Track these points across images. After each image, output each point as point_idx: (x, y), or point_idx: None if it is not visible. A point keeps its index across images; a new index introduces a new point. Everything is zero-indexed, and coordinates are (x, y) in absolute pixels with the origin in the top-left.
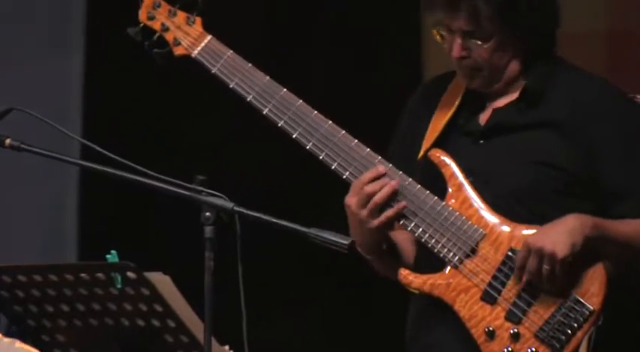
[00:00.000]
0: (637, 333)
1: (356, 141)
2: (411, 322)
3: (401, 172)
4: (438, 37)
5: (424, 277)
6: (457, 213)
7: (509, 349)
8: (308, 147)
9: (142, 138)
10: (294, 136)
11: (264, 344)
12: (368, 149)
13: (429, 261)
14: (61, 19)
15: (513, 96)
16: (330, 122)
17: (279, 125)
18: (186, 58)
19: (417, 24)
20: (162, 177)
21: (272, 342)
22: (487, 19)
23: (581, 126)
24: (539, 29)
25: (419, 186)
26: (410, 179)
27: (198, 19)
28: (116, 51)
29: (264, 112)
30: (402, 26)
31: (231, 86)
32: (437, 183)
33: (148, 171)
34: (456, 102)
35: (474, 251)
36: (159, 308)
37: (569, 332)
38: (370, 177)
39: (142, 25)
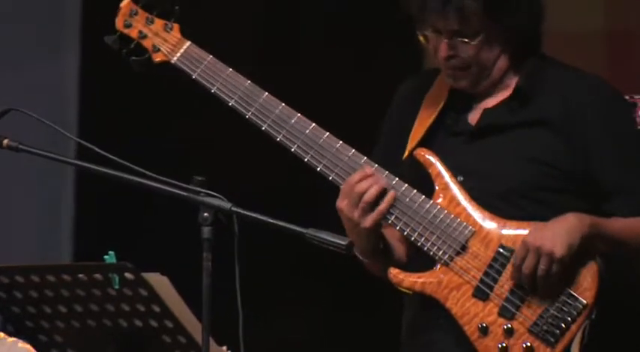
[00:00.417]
0: (629, 327)
1: (341, 142)
2: (406, 322)
3: (387, 172)
4: (422, 39)
5: (415, 276)
6: (446, 211)
7: (504, 344)
8: (293, 150)
9: (138, 139)
10: (277, 139)
11: (261, 345)
12: (353, 150)
13: (419, 259)
14: (56, 19)
15: (502, 95)
16: (314, 124)
17: (263, 129)
18: (166, 64)
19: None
20: (160, 177)
21: (269, 342)
22: (475, 15)
23: (572, 124)
24: (526, 25)
25: (406, 185)
26: (397, 178)
27: (176, 26)
28: (112, 51)
29: (247, 116)
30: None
31: (212, 91)
32: (423, 182)
33: (146, 172)
34: (442, 102)
35: (464, 248)
36: (156, 308)
37: (563, 326)
38: (358, 178)
39: (118, 33)
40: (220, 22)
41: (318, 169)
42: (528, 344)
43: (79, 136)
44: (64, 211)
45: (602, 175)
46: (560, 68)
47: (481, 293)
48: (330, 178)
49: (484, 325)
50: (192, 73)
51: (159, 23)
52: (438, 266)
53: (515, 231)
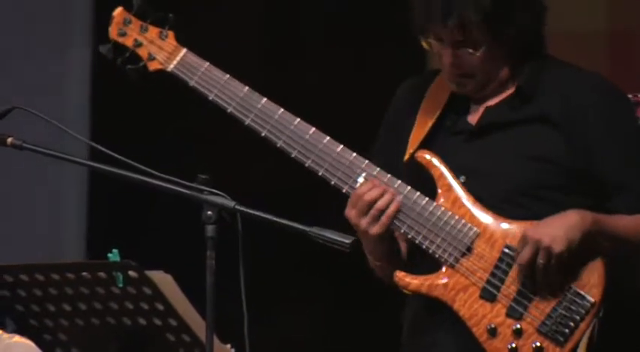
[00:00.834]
0: (637, 326)
1: (342, 146)
2: (408, 323)
3: (390, 175)
4: (426, 45)
5: (421, 278)
6: (450, 213)
7: (513, 345)
8: (293, 156)
9: (143, 137)
10: (278, 146)
11: (265, 343)
12: (354, 154)
13: (423, 262)
14: (68, 16)
15: (505, 94)
16: (314, 129)
17: (263, 135)
18: (162, 72)
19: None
20: (164, 176)
21: (274, 341)
22: (476, 27)
23: (574, 122)
24: (529, 32)
25: (409, 187)
26: (399, 181)
27: (171, 33)
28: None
29: (246, 123)
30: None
31: (210, 98)
32: (425, 183)
33: (150, 170)
34: (442, 103)
35: (469, 249)
36: (160, 307)
37: (572, 324)
38: (367, 188)
39: (112, 42)
40: (220, 23)
41: (320, 174)
42: (538, 344)
43: (89, 135)
44: (70, 210)
45: (605, 173)
46: (562, 67)
47: (488, 294)
48: (332, 183)
49: (493, 326)
50: (189, 81)
51: (153, 31)
52: (444, 268)
53: (520, 231)
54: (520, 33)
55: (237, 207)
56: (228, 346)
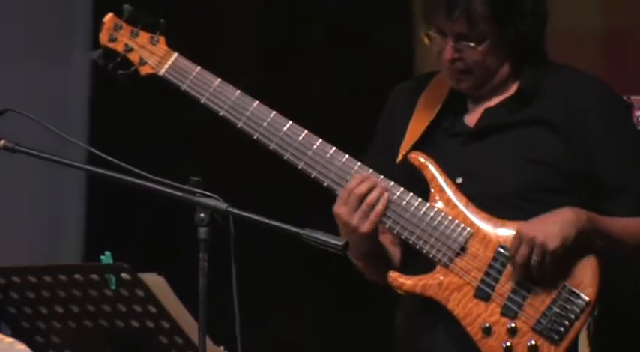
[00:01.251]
0: (632, 324)
1: (334, 148)
2: (401, 324)
3: (382, 176)
4: (426, 40)
5: (415, 278)
6: (443, 213)
7: (508, 344)
8: (286, 158)
9: (134, 139)
10: (270, 148)
11: (258, 345)
12: (347, 156)
13: (416, 262)
14: (67, 20)
15: (504, 95)
16: (307, 131)
17: (255, 138)
18: (153, 76)
19: (409, 29)
20: (156, 178)
21: (266, 342)
22: (482, 20)
23: (573, 126)
24: (532, 31)
25: (402, 189)
26: (392, 182)
27: (162, 38)
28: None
29: (238, 126)
30: (394, 32)
31: (202, 102)
32: (419, 185)
33: (142, 173)
34: (439, 104)
35: (463, 249)
36: (153, 309)
37: (567, 323)
38: (357, 183)
39: (103, 48)
40: (220, 23)
41: (312, 176)
42: (533, 342)
43: (87, 138)
44: (66, 212)
45: (604, 175)
46: (562, 70)
47: (483, 294)
48: (325, 185)
49: (487, 325)
50: (180, 85)
51: (144, 36)
52: (438, 268)
53: (514, 231)
54: (524, 33)
55: (230, 209)
56: (221, 348)
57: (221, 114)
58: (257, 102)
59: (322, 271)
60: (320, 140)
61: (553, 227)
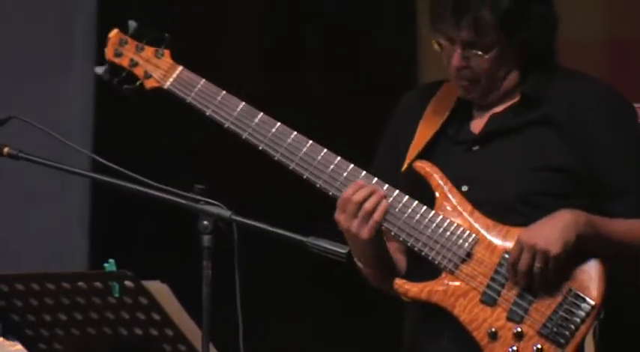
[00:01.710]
0: (637, 327)
1: (339, 158)
2: (408, 332)
3: (387, 185)
4: (436, 46)
5: (420, 285)
6: (448, 220)
7: (514, 348)
8: (291, 168)
9: (138, 147)
10: (275, 159)
11: None
12: (352, 165)
13: (421, 269)
14: (72, 30)
15: (511, 102)
16: (311, 142)
17: (260, 149)
18: (159, 90)
19: (414, 37)
20: (160, 185)
21: (270, 350)
22: (490, 28)
23: (577, 127)
24: (541, 41)
25: (407, 196)
26: (397, 190)
27: (167, 52)
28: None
29: (243, 137)
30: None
31: (207, 114)
32: (424, 193)
33: (146, 180)
34: (446, 112)
35: (469, 255)
36: (157, 316)
37: (573, 327)
38: (353, 191)
39: (108, 63)
40: (220, 24)
41: (318, 186)
42: (539, 346)
43: (92, 145)
44: (68, 220)
45: (606, 177)
46: (569, 75)
47: (489, 299)
48: (330, 194)
49: (493, 330)
50: (185, 98)
51: (149, 50)
52: (444, 274)
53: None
54: (532, 41)
55: (234, 216)
56: None
57: (226, 126)
58: (262, 113)
59: (325, 279)
60: (325, 150)
61: (553, 232)
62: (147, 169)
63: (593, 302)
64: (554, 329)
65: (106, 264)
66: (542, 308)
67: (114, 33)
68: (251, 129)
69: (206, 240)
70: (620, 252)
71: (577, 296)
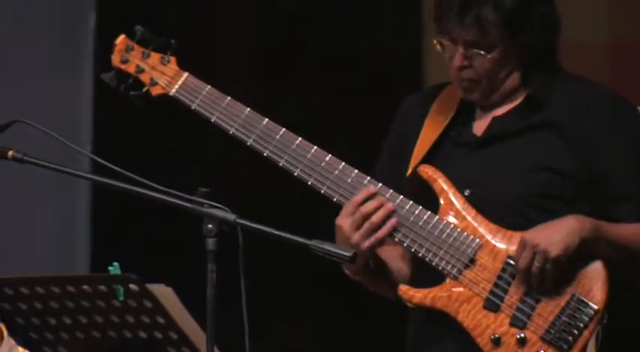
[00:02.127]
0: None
1: (343, 163)
2: (412, 337)
3: (391, 190)
4: (438, 46)
5: (424, 291)
6: (452, 226)
7: None
8: (296, 174)
9: (143, 150)
10: (280, 165)
11: None
12: (356, 171)
13: (424, 275)
14: (72, 33)
15: (513, 104)
16: (316, 148)
17: (265, 155)
18: (165, 96)
19: (418, 38)
20: (164, 189)
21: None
22: (493, 28)
23: (580, 130)
24: (543, 42)
25: (411, 202)
26: (401, 196)
27: (173, 58)
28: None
29: (248, 143)
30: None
31: (212, 120)
32: (428, 197)
33: (150, 183)
34: (449, 115)
35: (472, 261)
36: (161, 320)
37: (576, 332)
38: (363, 198)
39: (115, 69)
40: (221, 25)
41: (322, 191)
42: (542, 351)
43: (92, 147)
44: (72, 223)
45: (607, 182)
46: (570, 78)
47: (492, 305)
48: (335, 200)
49: (497, 336)
50: (191, 104)
51: (155, 57)
52: (447, 280)
53: None
54: (534, 43)
55: (238, 220)
56: None
57: (231, 132)
58: (267, 119)
59: (331, 282)
60: (329, 156)
61: (556, 235)
62: (150, 173)
63: (596, 307)
64: (558, 335)
65: (110, 268)
66: (546, 314)
67: (120, 39)
68: (256, 135)
69: (211, 243)
70: (626, 256)
71: (580, 301)
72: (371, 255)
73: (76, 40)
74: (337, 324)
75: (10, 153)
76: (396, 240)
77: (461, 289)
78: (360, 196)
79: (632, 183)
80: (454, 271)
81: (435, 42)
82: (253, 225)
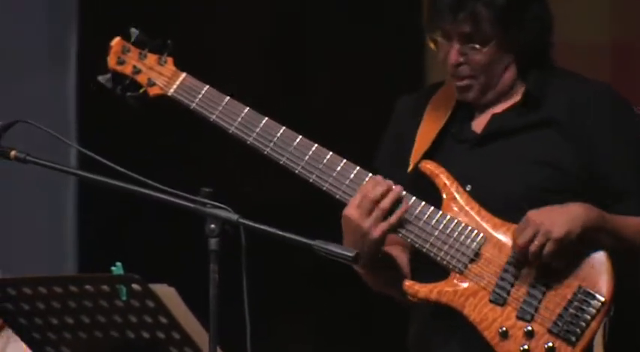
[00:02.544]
0: None
1: (345, 160)
2: (416, 334)
3: (394, 186)
4: (432, 44)
5: (430, 286)
6: (456, 221)
7: (525, 347)
8: (297, 172)
9: (145, 150)
10: (281, 163)
11: None
12: (358, 167)
13: (430, 271)
14: (57, 30)
15: (511, 102)
16: (317, 145)
17: (265, 153)
18: (163, 97)
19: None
20: (167, 189)
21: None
22: (487, 21)
23: (579, 126)
24: (536, 36)
25: (414, 197)
26: (404, 192)
27: (170, 59)
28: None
29: (248, 142)
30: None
31: (211, 120)
32: (429, 193)
33: (153, 183)
34: (447, 112)
35: (477, 255)
36: (164, 320)
37: (583, 324)
38: (371, 185)
39: (111, 71)
40: (221, 25)
41: (324, 188)
42: (550, 344)
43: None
44: (68, 222)
45: (611, 176)
46: (568, 75)
47: (498, 298)
48: (337, 197)
49: (504, 329)
50: (190, 104)
51: (152, 58)
52: (452, 274)
53: None
54: (528, 38)
55: (241, 220)
56: None
57: (231, 131)
58: (266, 118)
59: (335, 282)
60: (330, 153)
61: (561, 218)
62: (151, 172)
63: (602, 299)
64: (565, 327)
65: (113, 268)
66: (552, 306)
67: (116, 41)
68: (255, 134)
69: (213, 243)
70: (627, 248)
71: (587, 293)
72: (380, 247)
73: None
74: (340, 324)
75: (13, 153)
76: (400, 235)
77: (466, 283)
78: (367, 185)
79: (630, 181)
80: (459, 266)
81: (429, 40)
82: (256, 225)
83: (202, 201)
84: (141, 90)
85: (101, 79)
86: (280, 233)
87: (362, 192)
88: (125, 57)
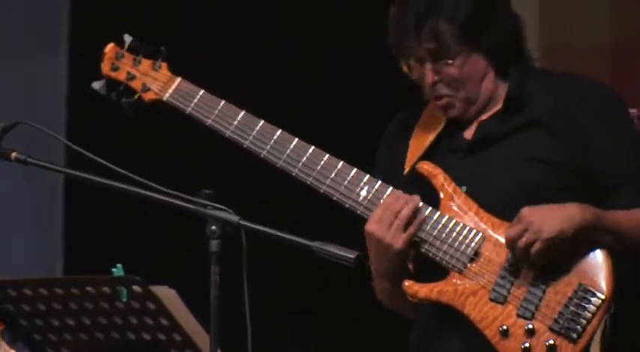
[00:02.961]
0: None
1: (342, 162)
2: (416, 335)
3: (391, 187)
4: (406, 68)
5: (430, 286)
6: (454, 220)
7: (527, 345)
8: (294, 174)
9: (146, 152)
10: (278, 166)
11: None
12: (355, 169)
13: (429, 271)
14: (45, 21)
15: (495, 108)
16: (313, 147)
17: (262, 156)
18: (158, 102)
19: None
20: (168, 190)
21: None
22: (451, 36)
23: (573, 124)
24: (507, 37)
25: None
26: (401, 192)
27: (164, 64)
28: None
29: (245, 146)
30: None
31: (207, 124)
32: (426, 196)
33: (154, 185)
34: (438, 126)
35: (476, 254)
36: (165, 321)
37: (584, 321)
38: (393, 199)
39: (105, 78)
40: (221, 25)
41: (322, 191)
42: (551, 342)
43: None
44: (61, 223)
45: (605, 170)
46: (549, 73)
47: (498, 297)
48: (335, 198)
49: (505, 328)
50: (185, 109)
51: (146, 63)
52: (452, 274)
53: None
54: (499, 40)
55: (241, 222)
56: None
57: (227, 135)
58: (262, 121)
59: (335, 284)
60: (327, 155)
61: (554, 218)
62: (153, 174)
63: (603, 296)
64: (566, 325)
65: (114, 269)
66: (553, 304)
67: (110, 47)
68: (252, 137)
69: (214, 244)
70: (628, 244)
71: (587, 291)
72: (406, 257)
73: (50, 24)
74: (341, 326)
75: (13, 154)
76: None
77: (466, 282)
78: (389, 199)
79: (629, 170)
80: (459, 265)
81: (402, 65)
82: (256, 226)
83: (203, 202)
84: (135, 96)
85: (95, 85)
86: (280, 234)
87: (384, 205)
88: (119, 63)
